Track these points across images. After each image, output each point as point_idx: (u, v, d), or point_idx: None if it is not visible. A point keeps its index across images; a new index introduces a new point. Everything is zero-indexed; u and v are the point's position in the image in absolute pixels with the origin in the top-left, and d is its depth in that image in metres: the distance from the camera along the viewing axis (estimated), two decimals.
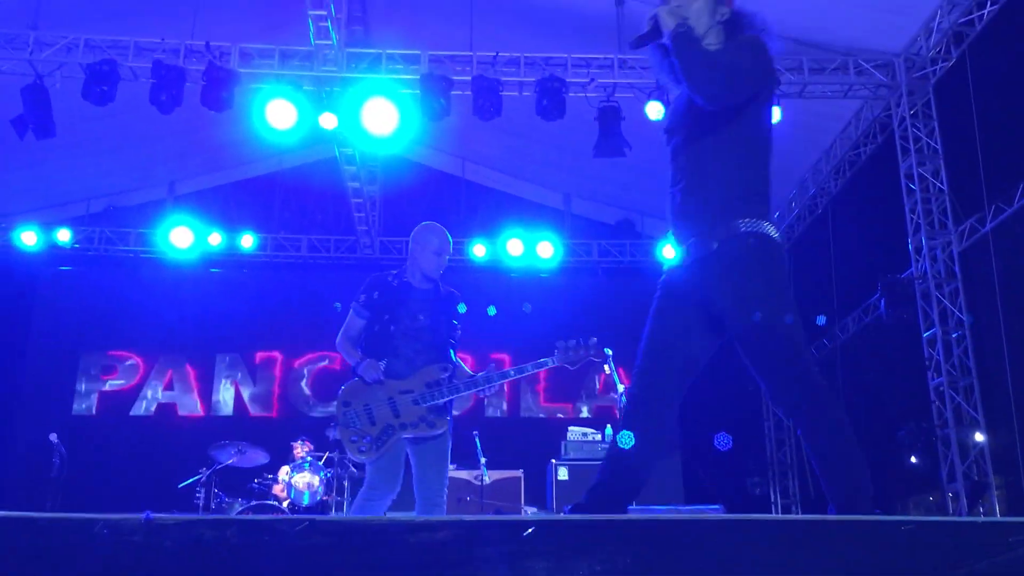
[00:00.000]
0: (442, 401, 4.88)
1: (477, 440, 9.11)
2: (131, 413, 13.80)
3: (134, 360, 14.09)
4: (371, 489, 4.84)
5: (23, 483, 11.56)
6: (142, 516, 1.59)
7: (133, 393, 13.94)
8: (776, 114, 10.14)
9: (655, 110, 10.02)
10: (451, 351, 5.08)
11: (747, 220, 2.84)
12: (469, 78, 10.22)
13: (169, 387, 14.05)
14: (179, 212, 13.92)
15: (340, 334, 5.22)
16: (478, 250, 13.96)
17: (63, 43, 10.23)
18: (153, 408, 13.95)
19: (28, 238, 13.74)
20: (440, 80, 10.12)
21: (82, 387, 13.92)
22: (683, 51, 2.91)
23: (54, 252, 13.99)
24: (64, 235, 13.87)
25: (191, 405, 14.00)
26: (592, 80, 10.44)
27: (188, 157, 13.65)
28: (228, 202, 14.44)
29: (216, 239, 13.79)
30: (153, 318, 13.80)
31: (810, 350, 2.84)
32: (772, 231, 2.89)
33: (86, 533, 1.61)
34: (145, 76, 10.17)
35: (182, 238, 13.42)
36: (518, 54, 10.43)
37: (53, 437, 9.60)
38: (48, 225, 13.93)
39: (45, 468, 9.93)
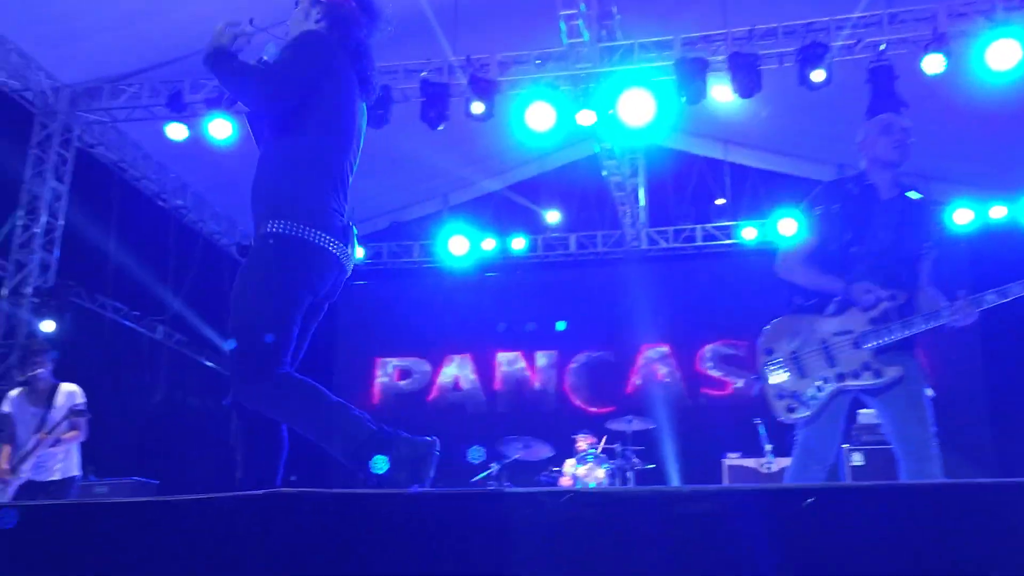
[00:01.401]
0: (889, 340, 3.94)
1: (761, 428, 8.84)
2: (422, 410, 14.74)
3: (422, 361, 15.05)
4: (805, 455, 4.03)
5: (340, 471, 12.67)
6: (411, 489, 1.68)
7: (424, 392, 14.88)
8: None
9: (934, 63, 9.21)
10: (914, 273, 4.11)
11: (275, 222, 2.92)
12: (724, 57, 9.94)
13: (456, 386, 14.86)
14: (454, 221, 14.71)
15: (786, 256, 4.27)
16: (748, 233, 13.57)
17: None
18: (443, 404, 14.81)
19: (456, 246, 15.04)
20: (695, 63, 9.93)
21: (379, 388, 15.07)
22: (214, 67, 3.10)
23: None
24: (358, 253, 15.14)
25: (477, 401, 14.72)
26: (858, 41, 9.79)
27: (459, 168, 14.34)
28: (499, 208, 15.01)
29: (490, 244, 14.43)
30: (437, 323, 14.65)
31: (269, 346, 2.85)
32: (300, 232, 2.91)
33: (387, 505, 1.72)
34: (415, 96, 10.84)
35: (459, 246, 14.20)
36: (775, 24, 10.01)
37: None
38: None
39: None
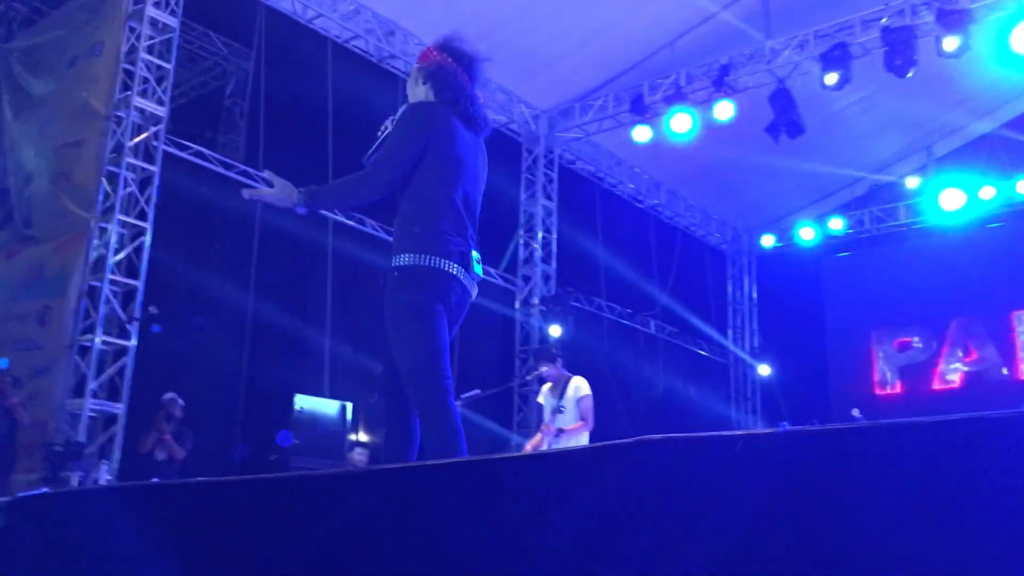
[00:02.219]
0: None
1: None
2: (933, 387, 13.56)
3: (924, 331, 13.87)
4: None
5: None
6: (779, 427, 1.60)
7: (929, 364, 13.70)
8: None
9: None
10: None
11: (399, 257, 3.34)
12: None
13: (968, 354, 13.45)
14: (943, 174, 13.40)
15: None
16: None
17: (794, 43, 10.79)
18: (957, 379, 13.49)
19: (806, 233, 14.76)
20: None
21: (881, 364, 14.20)
22: (332, 209, 3.28)
23: (830, 241, 14.72)
24: (836, 223, 14.55)
25: (995, 370, 13.16)
26: None
27: (940, 115, 13.04)
28: (994, 150, 13.35)
29: (989, 192, 12.89)
30: (935, 287, 13.43)
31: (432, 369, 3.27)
32: (419, 261, 3.31)
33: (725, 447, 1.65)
34: (875, 47, 10.12)
35: (952, 200, 12.90)
36: None
37: (855, 412, 9.99)
38: (820, 218, 14.78)
39: None
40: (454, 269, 3.35)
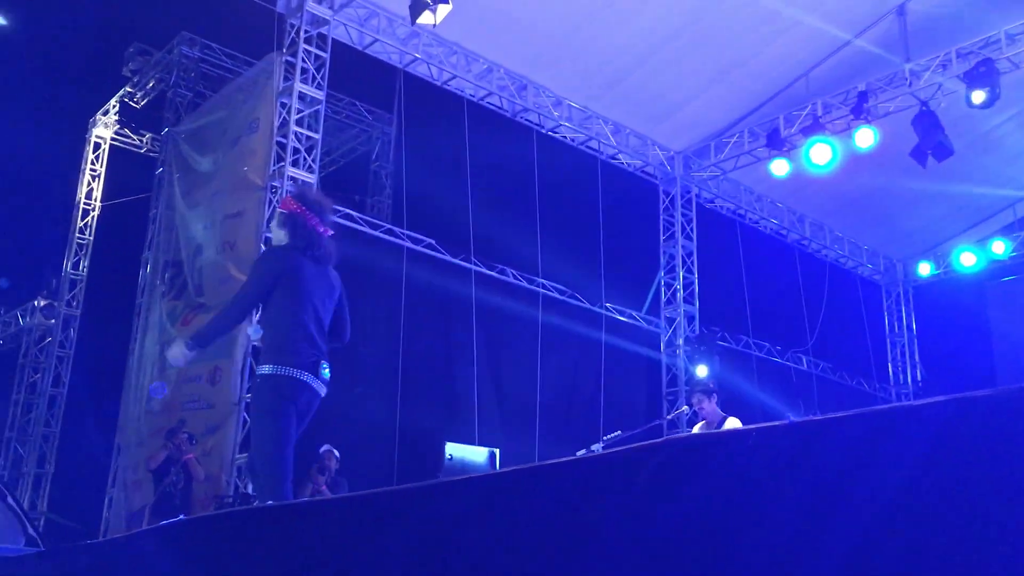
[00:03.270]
0: None
1: None
2: None
3: None
4: None
5: None
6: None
7: None
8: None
9: None
10: None
11: (261, 367, 4.16)
12: None
13: None
14: None
15: None
16: None
17: (936, 63, 10.44)
18: None
19: (967, 259, 14.09)
20: None
21: None
22: (210, 339, 4.46)
23: (993, 266, 13.98)
24: (999, 247, 13.82)
25: None
26: None
27: None
28: None
29: None
30: None
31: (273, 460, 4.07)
32: (276, 371, 4.10)
33: None
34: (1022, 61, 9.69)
35: None
36: None
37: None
38: (981, 242, 14.08)
39: None
40: (304, 376, 4.12)
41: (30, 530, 3.97)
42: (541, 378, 11.15)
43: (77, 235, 13.86)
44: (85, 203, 13.96)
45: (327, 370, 4.19)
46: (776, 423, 1.68)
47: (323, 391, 4.22)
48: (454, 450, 9.31)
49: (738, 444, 1.69)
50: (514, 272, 11.69)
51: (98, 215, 13.99)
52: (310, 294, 4.20)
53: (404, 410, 10.22)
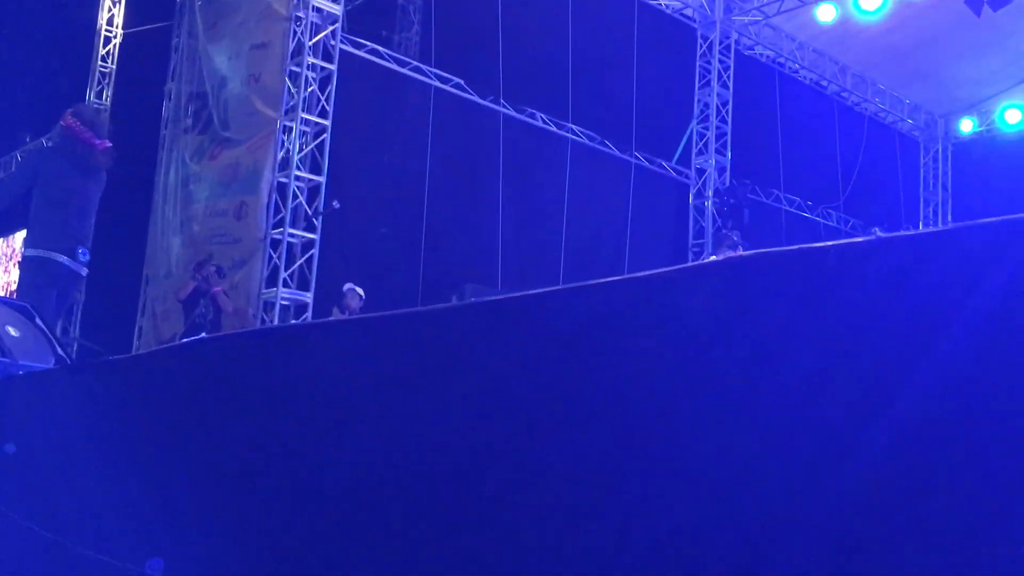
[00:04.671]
0: None
1: None
2: None
3: None
4: None
5: None
6: None
7: None
8: None
9: None
10: None
11: (26, 250, 5.01)
12: None
13: None
14: None
15: None
16: None
17: None
18: None
19: (1012, 116, 13.69)
20: None
21: None
22: None
23: None
24: None
25: None
26: None
27: None
28: None
29: None
30: None
31: None
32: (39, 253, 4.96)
33: None
34: None
35: None
36: None
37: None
38: None
39: None
40: (61, 259, 4.84)
41: (59, 351, 4.06)
42: (566, 226, 11.08)
43: (99, 63, 13.62)
44: (107, 30, 13.65)
45: (84, 255, 5.02)
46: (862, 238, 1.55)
47: (83, 272, 5.07)
48: (474, 292, 9.37)
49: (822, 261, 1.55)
50: (543, 116, 11.43)
51: (120, 43, 13.70)
52: (72, 192, 5.05)
53: (428, 250, 10.25)
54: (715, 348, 1.62)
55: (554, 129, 11.45)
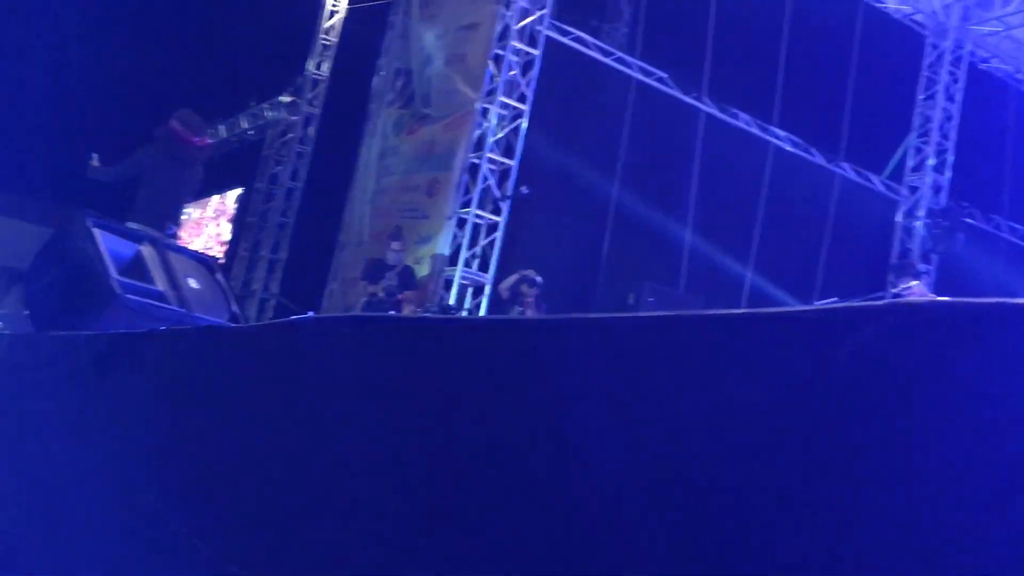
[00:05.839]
0: None
1: None
2: None
3: None
4: None
5: None
6: None
7: None
8: None
9: None
10: None
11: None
12: None
13: None
14: None
15: None
16: None
17: None
18: None
19: None
20: None
21: None
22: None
23: None
24: None
25: None
26: None
27: None
28: None
29: None
30: None
31: None
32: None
33: None
34: None
35: None
36: None
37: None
38: None
39: None
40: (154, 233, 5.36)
41: (234, 307, 4.25)
42: (758, 233, 10.63)
43: (322, 36, 14.32)
44: (332, 4, 14.32)
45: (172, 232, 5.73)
46: None
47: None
48: (653, 292, 9.15)
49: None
50: (747, 117, 10.99)
51: (344, 17, 14.33)
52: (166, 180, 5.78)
53: (612, 245, 10.11)
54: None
55: (757, 131, 10.98)
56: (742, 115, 10.93)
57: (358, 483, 1.76)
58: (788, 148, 11.13)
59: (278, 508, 1.91)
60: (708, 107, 10.64)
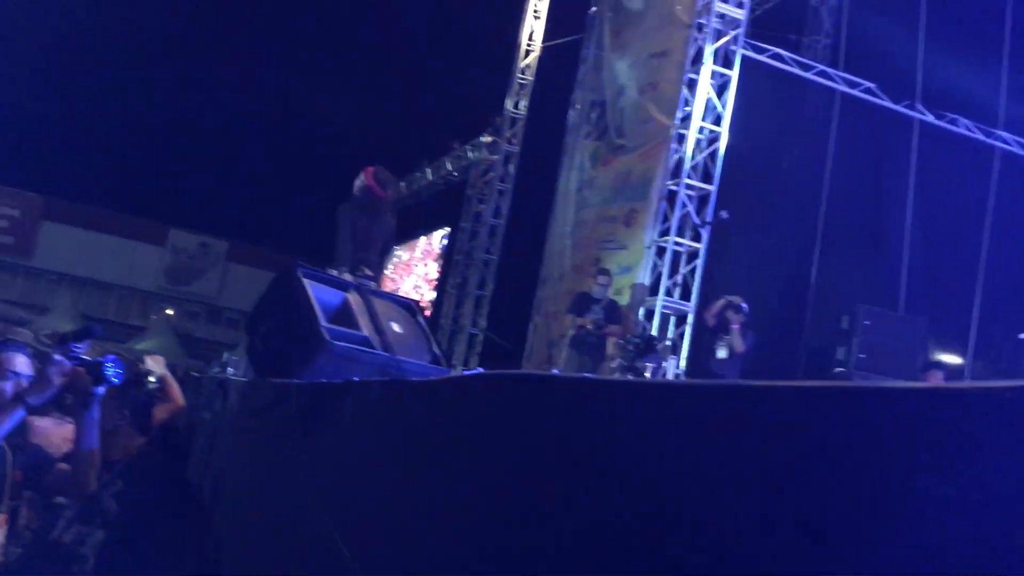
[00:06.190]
0: None
1: None
2: None
3: None
4: None
5: None
6: None
7: None
8: None
9: None
10: None
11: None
12: None
13: None
14: None
15: None
16: None
17: None
18: None
19: None
20: None
21: None
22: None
23: None
24: None
25: None
26: None
27: None
28: None
29: None
30: None
31: None
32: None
33: None
34: None
35: None
36: None
37: None
38: None
39: None
40: (348, 277, 5.44)
41: (435, 348, 4.36)
42: (987, 248, 9.78)
43: (518, 75, 14.65)
44: (527, 44, 14.64)
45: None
46: None
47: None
48: (871, 315, 8.60)
49: None
50: (967, 123, 10.18)
51: (538, 55, 14.62)
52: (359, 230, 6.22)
53: (821, 266, 9.63)
54: None
55: (980, 137, 10.15)
56: (962, 120, 10.15)
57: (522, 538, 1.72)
58: (1017, 152, 10.21)
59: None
60: (923, 115, 9.97)
